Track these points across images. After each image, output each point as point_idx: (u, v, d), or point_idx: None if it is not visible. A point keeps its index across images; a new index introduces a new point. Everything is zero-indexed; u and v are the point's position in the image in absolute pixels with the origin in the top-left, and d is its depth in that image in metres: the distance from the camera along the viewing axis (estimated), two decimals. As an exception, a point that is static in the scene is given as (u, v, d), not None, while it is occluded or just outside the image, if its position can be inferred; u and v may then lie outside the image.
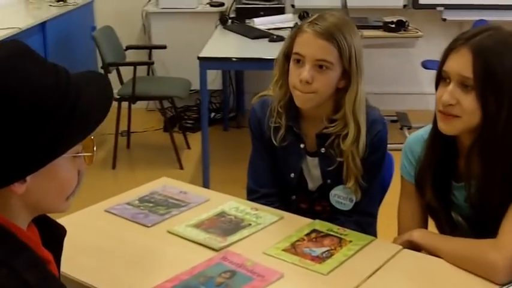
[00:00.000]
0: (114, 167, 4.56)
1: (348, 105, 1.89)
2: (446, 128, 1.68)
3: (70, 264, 1.60)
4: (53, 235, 1.28)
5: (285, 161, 2.05)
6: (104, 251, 1.72)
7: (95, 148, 1.19)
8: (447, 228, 1.85)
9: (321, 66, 1.85)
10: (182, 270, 1.60)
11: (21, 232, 1.12)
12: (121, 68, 4.65)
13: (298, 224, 1.85)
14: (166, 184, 2.14)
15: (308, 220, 1.88)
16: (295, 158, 2.03)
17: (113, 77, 4.65)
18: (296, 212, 2.02)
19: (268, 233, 1.81)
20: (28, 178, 1.08)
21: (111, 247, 1.74)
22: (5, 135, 1.02)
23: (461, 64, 1.61)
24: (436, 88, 1.71)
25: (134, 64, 4.36)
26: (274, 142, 2.00)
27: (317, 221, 1.87)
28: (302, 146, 2.01)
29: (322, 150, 1.98)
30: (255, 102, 2.09)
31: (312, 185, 2.07)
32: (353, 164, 1.91)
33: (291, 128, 1.99)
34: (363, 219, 2.01)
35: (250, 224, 1.85)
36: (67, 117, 1.07)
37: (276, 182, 2.10)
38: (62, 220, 1.82)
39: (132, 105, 4.69)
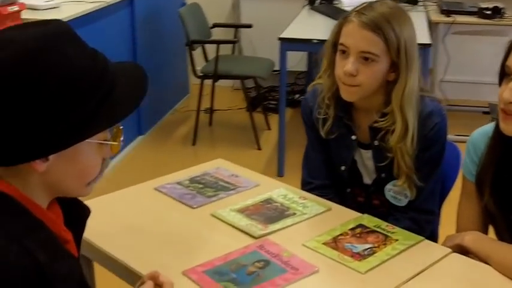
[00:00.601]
0: (194, 143, 4.60)
1: (395, 100, 1.78)
2: (507, 128, 1.56)
3: (107, 240, 1.63)
4: (76, 215, 1.28)
5: (336, 153, 1.98)
6: (143, 229, 1.72)
7: (122, 138, 1.18)
8: (506, 235, 1.72)
9: (366, 59, 1.76)
10: (218, 255, 1.58)
11: (39, 210, 1.12)
12: (206, 46, 4.67)
13: (345, 217, 1.78)
14: (220, 166, 2.11)
15: (356, 214, 1.81)
16: (346, 150, 1.95)
17: (197, 54, 4.70)
18: (352, 205, 1.95)
19: (312, 224, 1.75)
20: (50, 157, 1.08)
21: (151, 226, 1.73)
22: (33, 112, 1.02)
23: None
24: (500, 84, 1.58)
25: (217, 42, 4.36)
26: (322, 134, 1.93)
27: (365, 215, 1.79)
28: (353, 137, 1.93)
29: (376, 143, 1.89)
30: (309, 90, 2.02)
31: (367, 178, 1.99)
32: (402, 162, 1.81)
33: (340, 118, 1.91)
34: (419, 216, 1.91)
35: (295, 213, 1.80)
36: (98, 103, 1.07)
37: (330, 174, 2.03)
38: (111, 195, 1.87)
39: (219, 84, 4.72)
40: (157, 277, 1.28)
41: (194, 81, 4.78)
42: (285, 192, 1.92)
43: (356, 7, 1.81)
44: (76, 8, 3.70)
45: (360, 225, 1.73)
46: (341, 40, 1.80)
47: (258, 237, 1.67)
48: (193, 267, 1.53)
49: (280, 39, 3.78)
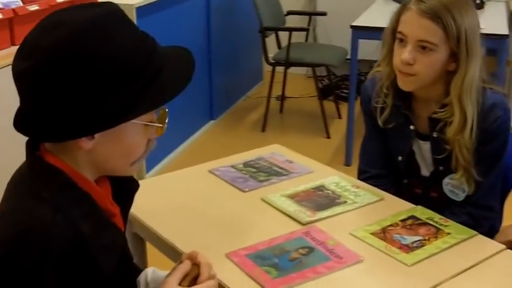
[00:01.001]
0: (263, 130, 4.61)
1: (454, 91, 1.72)
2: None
3: (157, 220, 1.66)
4: (125, 190, 1.30)
5: (394, 143, 1.93)
6: (193, 210, 1.73)
7: (167, 120, 1.19)
8: None
9: (423, 48, 1.70)
10: (263, 240, 1.57)
11: (87, 184, 1.15)
12: (280, 33, 4.66)
13: (397, 208, 1.74)
14: (275, 151, 2.10)
15: (410, 205, 1.76)
16: (404, 140, 1.90)
17: (271, 41, 4.70)
18: (409, 197, 1.89)
19: (362, 214, 1.72)
20: (96, 136, 1.10)
21: (201, 207, 1.74)
22: (81, 91, 1.05)
23: None
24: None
25: (290, 29, 4.35)
26: (379, 123, 1.89)
27: (419, 207, 1.74)
28: (412, 127, 1.88)
29: (435, 134, 1.83)
30: (368, 78, 1.98)
31: (425, 170, 1.93)
32: (460, 155, 1.75)
33: (398, 108, 1.86)
34: (477, 211, 1.84)
35: (346, 202, 1.77)
36: (144, 85, 1.09)
37: (387, 164, 1.98)
38: (165, 176, 1.89)
39: (292, 71, 4.71)
40: (195, 257, 1.28)
41: (268, 68, 4.78)
42: (338, 180, 1.90)
43: None
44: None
45: (412, 217, 1.68)
46: (399, 28, 1.75)
47: (305, 224, 1.65)
48: (237, 250, 1.53)
49: (352, 27, 3.72)
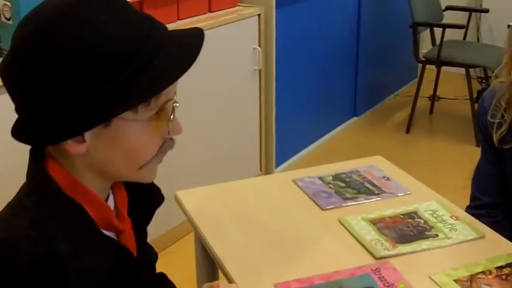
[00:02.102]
0: (408, 131, 4.30)
1: None
2: None
3: (213, 230, 1.51)
4: (145, 202, 1.15)
5: (511, 167, 1.61)
6: (257, 223, 1.56)
7: (171, 117, 0.99)
8: None
9: None
10: (324, 271, 1.36)
11: (83, 193, 1.00)
12: (435, 30, 4.30)
13: (499, 250, 1.44)
14: (375, 164, 1.86)
15: (515, 248, 1.45)
16: None
17: (425, 36, 4.37)
18: None
19: (452, 253, 1.44)
20: (87, 139, 0.96)
21: (267, 222, 1.56)
22: (55, 86, 0.91)
23: None
24: None
25: (443, 26, 3.99)
26: (494, 141, 1.58)
27: (526, 252, 1.43)
28: None
29: None
30: (489, 88, 1.67)
31: (549, 203, 1.60)
32: None
33: None
34: None
35: (437, 235, 1.50)
36: (130, 77, 0.91)
37: (503, 192, 1.68)
38: (243, 182, 1.73)
39: (448, 70, 4.35)
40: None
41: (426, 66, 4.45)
42: (436, 206, 1.62)
43: None
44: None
45: (512, 265, 1.38)
46: None
47: (378, 258, 1.41)
48: (289, 281, 1.33)
49: (510, 26, 3.29)
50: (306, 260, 1.41)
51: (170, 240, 2.91)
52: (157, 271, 1.33)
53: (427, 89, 4.55)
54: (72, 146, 0.96)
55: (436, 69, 4.25)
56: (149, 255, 1.33)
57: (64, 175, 1.00)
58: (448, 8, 4.43)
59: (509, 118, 1.57)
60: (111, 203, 1.10)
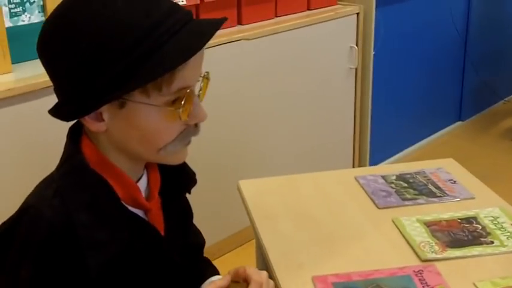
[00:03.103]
0: (516, 139, 4.11)
1: None
2: None
3: (265, 221, 1.53)
4: (176, 183, 1.20)
5: None
6: (308, 218, 1.56)
7: (182, 102, 1.00)
8: None
9: None
10: (365, 269, 1.35)
11: (110, 169, 1.06)
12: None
13: (558, 263, 1.36)
14: (443, 166, 1.80)
15: None
16: None
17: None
18: None
19: (504, 262, 1.38)
20: (106, 118, 1.02)
21: (320, 217, 1.56)
22: (71, 65, 0.97)
23: None
24: None
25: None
26: None
27: None
28: None
29: None
30: None
31: None
32: None
33: None
34: None
35: (492, 242, 1.43)
36: (136, 62, 0.96)
37: None
38: (306, 176, 1.74)
39: None
40: (242, 273, 1.13)
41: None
42: (498, 213, 1.55)
43: None
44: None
45: None
46: None
47: (423, 261, 1.37)
48: (327, 274, 1.33)
49: None
50: (349, 256, 1.40)
51: (233, 244, 2.87)
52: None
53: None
54: (91, 124, 1.02)
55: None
56: (195, 238, 1.37)
57: (94, 152, 1.06)
58: None
59: None
60: (144, 182, 1.15)
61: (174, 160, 1.11)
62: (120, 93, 0.97)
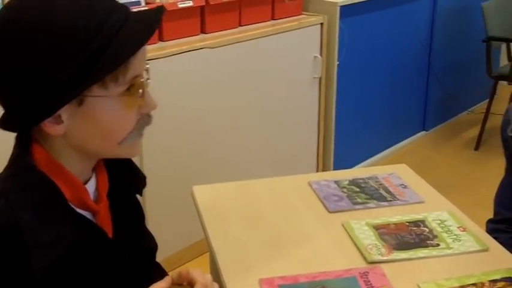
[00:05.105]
0: (476, 148, 4.18)
1: None
2: None
3: (216, 225, 1.53)
4: (126, 185, 1.20)
5: None
6: (261, 223, 1.57)
7: (140, 91, 1.04)
8: None
9: None
10: (312, 271, 1.36)
11: (58, 171, 1.06)
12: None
13: (502, 264, 1.39)
14: (396, 172, 1.83)
15: (518, 264, 1.40)
16: None
17: (503, 52, 4.24)
18: None
19: (449, 264, 1.40)
20: (64, 119, 1.02)
21: (271, 221, 1.58)
22: (21, 71, 0.98)
23: None
24: None
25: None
26: None
27: (527, 268, 1.37)
28: None
29: None
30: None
31: None
32: None
33: None
34: None
35: (438, 245, 1.46)
36: (90, 56, 0.97)
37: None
38: (262, 181, 1.75)
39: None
40: (185, 275, 1.14)
41: (504, 84, 4.31)
42: (446, 217, 1.58)
43: None
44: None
45: (508, 279, 1.33)
46: None
47: (370, 263, 1.39)
48: (274, 277, 1.34)
49: None
50: (297, 259, 1.42)
51: (195, 253, 2.86)
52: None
53: (503, 107, 4.39)
54: (51, 128, 1.02)
55: (509, 85, 4.11)
56: (147, 242, 1.37)
57: (44, 155, 1.06)
58: (528, 24, 4.27)
59: None
60: (92, 184, 1.15)
61: (130, 153, 1.12)
62: (81, 89, 0.98)
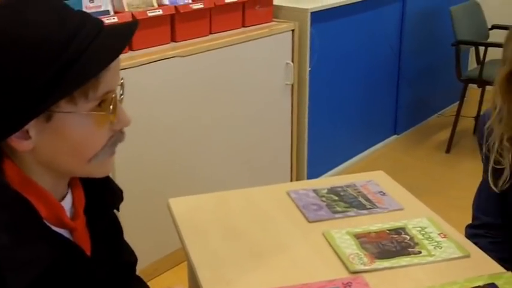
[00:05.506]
0: (448, 151, 4.21)
1: None
2: None
3: (194, 238, 1.51)
4: (103, 201, 1.17)
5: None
6: (240, 234, 1.55)
7: (111, 107, 1.01)
8: None
9: None
10: (293, 283, 1.34)
11: (32, 188, 1.03)
12: (481, 49, 4.20)
13: (483, 270, 1.39)
14: (373, 179, 1.82)
15: (500, 269, 1.39)
16: None
17: (471, 56, 4.28)
18: None
19: (431, 271, 1.39)
20: (32, 135, 0.99)
21: (250, 232, 1.55)
22: None
23: None
24: None
25: (485, 45, 3.91)
26: (493, 187, 1.53)
27: (509, 273, 1.37)
28: None
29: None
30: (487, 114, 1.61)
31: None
32: None
33: None
34: None
35: (420, 252, 1.45)
36: (59, 71, 0.95)
37: (504, 212, 1.62)
38: (237, 192, 1.73)
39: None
40: None
41: (473, 86, 4.36)
42: (426, 223, 1.58)
43: None
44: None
45: (491, 285, 1.33)
46: None
47: (352, 272, 1.38)
48: (256, 289, 1.32)
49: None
50: (278, 270, 1.39)
51: (170, 263, 2.83)
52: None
53: (473, 109, 4.45)
54: (18, 143, 0.99)
55: (478, 88, 4.16)
56: (126, 256, 1.34)
57: (16, 172, 1.02)
58: (494, 27, 4.32)
59: (509, 162, 1.51)
60: (68, 201, 1.12)
61: (102, 171, 1.09)
62: (49, 105, 0.95)
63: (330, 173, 3.79)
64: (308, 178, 3.56)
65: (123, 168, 2.48)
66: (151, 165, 2.70)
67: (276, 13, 3.34)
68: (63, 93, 0.95)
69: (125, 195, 1.24)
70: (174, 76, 2.73)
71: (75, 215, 1.12)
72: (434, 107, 4.72)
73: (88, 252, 1.12)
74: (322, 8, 3.44)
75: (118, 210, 1.23)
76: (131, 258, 1.36)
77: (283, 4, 3.40)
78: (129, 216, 2.56)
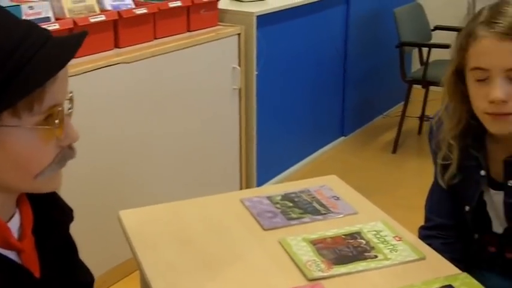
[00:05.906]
0: (394, 151, 4.26)
1: None
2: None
3: (147, 251, 1.47)
4: (52, 221, 1.12)
5: (462, 190, 1.57)
6: (194, 244, 1.51)
7: (56, 121, 0.96)
8: None
9: None
10: (253, 293, 1.32)
11: None
12: (425, 50, 4.26)
13: (439, 272, 1.39)
14: (327, 184, 1.81)
15: (455, 270, 1.40)
16: (473, 187, 1.53)
17: (414, 57, 4.34)
18: (483, 256, 1.55)
19: (388, 275, 1.39)
20: None
21: (204, 242, 1.52)
22: None
23: None
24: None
25: (429, 46, 3.97)
26: (441, 182, 1.54)
27: (464, 274, 1.38)
28: (482, 173, 1.51)
29: (510, 183, 1.46)
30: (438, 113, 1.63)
31: (498, 225, 1.55)
32: None
33: (466, 148, 1.51)
34: None
35: (376, 256, 1.45)
36: (2, 82, 0.89)
37: (455, 213, 1.63)
38: (191, 202, 1.69)
39: (439, 91, 4.28)
40: None
41: (417, 87, 4.42)
42: (381, 227, 1.57)
43: (478, 18, 1.39)
44: (285, 0, 3.59)
45: (448, 287, 1.33)
46: (474, 64, 1.38)
47: (310, 280, 1.36)
48: (213, 302, 1.29)
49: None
50: (234, 281, 1.37)
51: (119, 275, 2.78)
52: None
53: (417, 109, 4.52)
54: None
55: (422, 89, 4.22)
56: (81, 276, 1.29)
57: None
58: (436, 28, 4.40)
59: (456, 157, 1.52)
60: (16, 221, 1.07)
61: (50, 187, 1.04)
62: None
63: (279, 176, 3.78)
64: (258, 182, 3.55)
65: (69, 180, 2.41)
66: (99, 177, 2.63)
67: (222, 17, 3.32)
68: (6, 104, 0.90)
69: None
70: (118, 83, 2.67)
71: (22, 236, 1.06)
72: (380, 108, 4.78)
73: (37, 274, 1.07)
74: (268, 12, 3.43)
75: (68, 230, 1.18)
76: (87, 278, 1.30)
77: (229, 8, 3.38)
78: (75, 230, 2.49)
